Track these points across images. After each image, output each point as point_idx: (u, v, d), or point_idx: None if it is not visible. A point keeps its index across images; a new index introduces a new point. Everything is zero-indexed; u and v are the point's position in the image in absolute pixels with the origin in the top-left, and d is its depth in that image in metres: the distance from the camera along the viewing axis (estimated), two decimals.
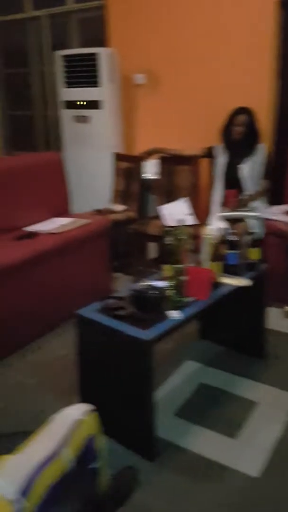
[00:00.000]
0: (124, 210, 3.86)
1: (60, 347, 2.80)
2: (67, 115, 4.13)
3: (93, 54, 3.84)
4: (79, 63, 3.93)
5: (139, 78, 4.00)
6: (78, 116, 4.06)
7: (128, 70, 4.02)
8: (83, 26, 4.53)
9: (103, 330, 1.90)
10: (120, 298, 2.09)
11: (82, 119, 4.04)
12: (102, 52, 3.82)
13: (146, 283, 2.08)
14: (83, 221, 3.25)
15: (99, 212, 3.77)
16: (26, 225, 3.14)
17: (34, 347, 2.82)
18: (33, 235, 2.95)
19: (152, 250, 4.06)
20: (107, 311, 1.99)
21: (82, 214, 3.55)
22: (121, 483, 1.51)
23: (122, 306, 1.99)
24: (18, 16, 4.87)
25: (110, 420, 1.37)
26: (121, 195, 4.01)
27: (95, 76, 3.87)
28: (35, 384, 2.44)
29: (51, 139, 4.97)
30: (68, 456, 1.05)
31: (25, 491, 0.92)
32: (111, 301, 2.07)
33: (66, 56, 3.99)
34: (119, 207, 3.87)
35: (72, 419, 1.13)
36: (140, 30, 3.94)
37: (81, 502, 1.06)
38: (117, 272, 3.74)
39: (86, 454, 1.11)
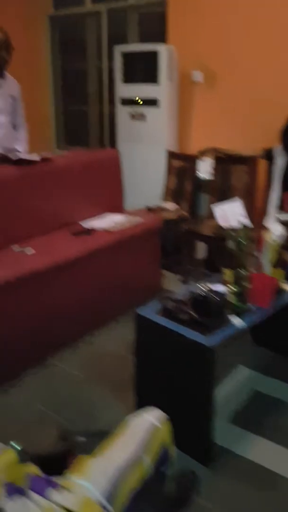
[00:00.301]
0: (176, 209, 3.86)
1: (111, 343, 2.84)
2: (123, 112, 4.14)
3: (153, 51, 3.82)
4: (138, 60, 3.93)
5: (197, 76, 3.96)
6: (134, 113, 4.06)
7: (185, 67, 3.99)
8: (141, 21, 4.52)
9: (163, 333, 1.91)
10: (179, 301, 2.09)
11: (138, 117, 4.04)
12: (162, 49, 3.81)
13: (206, 287, 2.07)
14: (136, 219, 3.26)
15: (150, 209, 3.78)
16: (82, 220, 3.19)
17: (86, 341, 2.86)
18: (90, 231, 3.00)
19: (201, 250, 4.03)
20: (167, 313, 2.00)
21: (134, 211, 3.56)
22: (183, 487, 1.52)
23: (182, 309, 1.99)
24: (77, 10, 4.91)
25: None
26: (173, 194, 4.00)
27: (153, 74, 3.86)
28: (87, 378, 2.49)
29: (105, 135, 5.00)
30: (148, 463, 1.07)
31: (110, 495, 0.95)
32: (170, 302, 2.07)
33: (125, 52, 3.99)
34: (171, 206, 3.87)
35: (149, 425, 1.14)
36: (200, 27, 3.89)
37: (154, 507, 1.08)
38: (165, 270, 3.75)
39: (161, 460, 1.12)
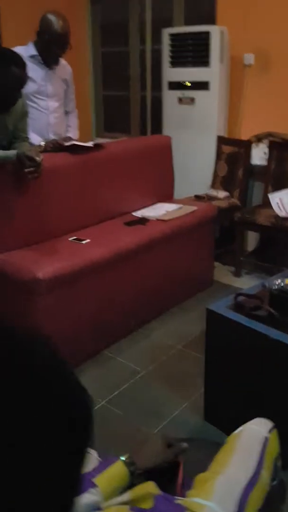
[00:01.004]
0: (226, 197, 3.72)
1: (166, 336, 2.77)
2: (170, 96, 3.99)
3: (203, 33, 3.65)
4: (187, 42, 3.76)
5: (248, 59, 3.77)
6: (182, 97, 3.90)
7: (235, 50, 3.80)
8: (187, 2, 4.33)
9: (239, 330, 1.80)
10: (253, 296, 1.98)
11: (187, 101, 3.89)
12: (212, 31, 3.63)
13: (283, 282, 1.95)
14: (190, 208, 3.14)
15: (199, 198, 3.65)
16: (134, 210, 3.09)
17: (140, 333, 2.79)
18: (143, 221, 2.90)
19: (252, 240, 3.89)
20: (242, 309, 1.89)
21: (184, 200, 3.44)
22: (274, 496, 1.42)
23: (259, 306, 1.88)
24: None
25: (238, 423, 1.25)
26: (223, 181, 3.86)
27: (203, 56, 3.69)
28: (146, 372, 2.42)
29: (147, 121, 4.85)
30: (266, 478, 0.98)
31: None
32: (243, 298, 1.96)
33: (173, 34, 3.83)
34: (222, 194, 3.73)
35: (263, 438, 1.05)
36: (252, 6, 3.69)
37: None
38: (215, 261, 3.63)
39: (274, 473, 1.03)
